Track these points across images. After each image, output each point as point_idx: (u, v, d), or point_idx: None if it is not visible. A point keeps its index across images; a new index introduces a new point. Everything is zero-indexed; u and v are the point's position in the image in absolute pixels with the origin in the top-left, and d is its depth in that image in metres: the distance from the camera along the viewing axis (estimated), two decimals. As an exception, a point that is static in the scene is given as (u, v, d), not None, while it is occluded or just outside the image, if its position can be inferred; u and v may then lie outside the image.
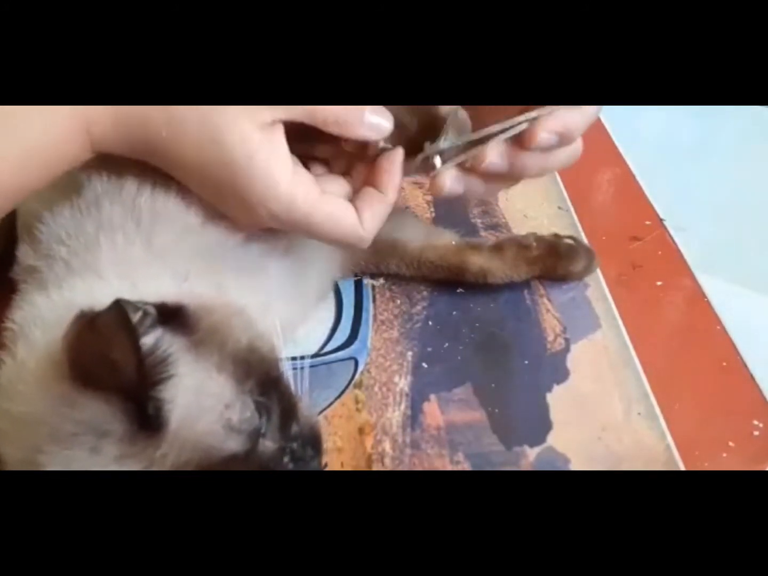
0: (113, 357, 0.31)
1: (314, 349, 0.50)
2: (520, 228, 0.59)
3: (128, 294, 0.34)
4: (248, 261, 0.43)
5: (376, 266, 0.54)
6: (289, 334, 0.48)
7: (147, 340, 0.32)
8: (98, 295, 0.36)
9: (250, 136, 0.38)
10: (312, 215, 0.40)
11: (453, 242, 0.53)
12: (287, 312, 0.46)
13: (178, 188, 0.41)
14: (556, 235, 0.54)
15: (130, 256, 0.39)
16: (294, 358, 0.48)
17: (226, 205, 0.41)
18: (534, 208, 0.60)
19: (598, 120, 0.74)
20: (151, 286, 0.38)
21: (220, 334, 0.36)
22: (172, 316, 0.35)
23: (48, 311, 0.37)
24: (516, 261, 0.53)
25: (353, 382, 0.47)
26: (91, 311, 0.32)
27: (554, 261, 0.53)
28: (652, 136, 0.73)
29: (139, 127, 0.38)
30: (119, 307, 0.31)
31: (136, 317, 0.32)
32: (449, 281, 0.54)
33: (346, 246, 0.44)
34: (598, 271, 0.56)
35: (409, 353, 0.50)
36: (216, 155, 0.38)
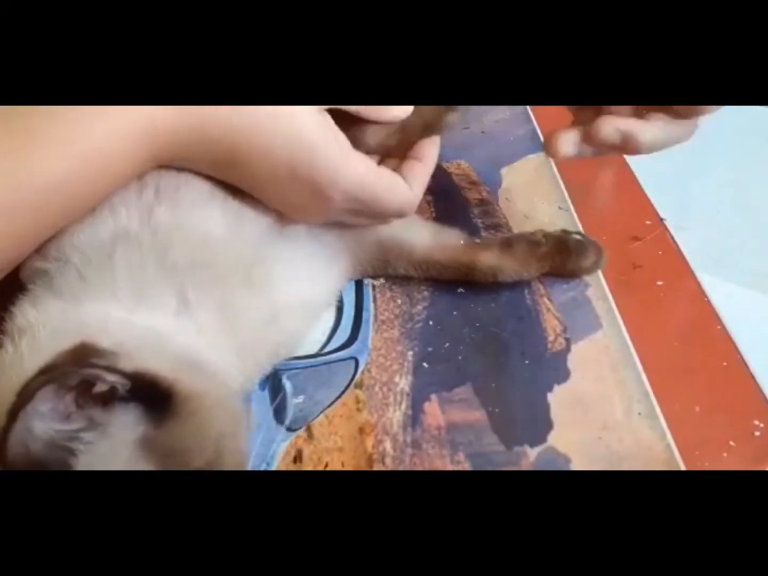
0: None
1: (315, 349, 0.49)
2: (520, 228, 0.59)
3: (132, 325, 0.33)
4: (257, 275, 0.43)
5: (384, 270, 0.54)
6: (294, 345, 0.48)
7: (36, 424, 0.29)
8: (111, 320, 0.36)
9: (318, 119, 0.40)
10: (376, 187, 0.43)
11: (461, 241, 0.53)
12: (294, 324, 0.46)
13: (201, 197, 0.41)
14: (564, 231, 0.54)
15: (143, 276, 0.38)
16: (295, 358, 0.48)
17: (296, 195, 0.42)
18: (534, 208, 0.60)
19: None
20: (155, 316, 0.37)
21: (182, 442, 0.34)
22: (154, 394, 0.33)
23: (60, 321, 0.36)
24: (526, 258, 0.53)
25: (354, 381, 0.47)
26: (90, 347, 0.31)
27: (564, 257, 0.53)
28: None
29: (206, 126, 0.38)
30: (38, 382, 0.29)
31: (101, 388, 0.31)
32: (452, 281, 0.54)
33: (396, 215, 0.47)
34: (599, 271, 0.56)
35: (410, 353, 0.50)
36: (291, 140, 0.40)
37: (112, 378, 0.31)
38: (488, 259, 0.52)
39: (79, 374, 0.30)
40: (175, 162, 0.40)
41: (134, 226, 0.39)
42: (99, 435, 0.31)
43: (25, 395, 0.29)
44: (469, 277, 0.53)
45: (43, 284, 0.39)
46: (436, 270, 0.53)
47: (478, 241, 0.54)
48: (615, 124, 0.45)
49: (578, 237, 0.55)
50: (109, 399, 0.32)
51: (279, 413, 0.45)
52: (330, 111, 0.42)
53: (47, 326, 0.35)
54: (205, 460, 0.34)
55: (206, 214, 0.41)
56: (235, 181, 0.42)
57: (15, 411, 0.29)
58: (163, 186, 0.40)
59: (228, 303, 0.40)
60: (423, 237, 0.53)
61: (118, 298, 0.37)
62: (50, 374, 0.30)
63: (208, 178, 0.42)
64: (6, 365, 0.35)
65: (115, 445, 0.32)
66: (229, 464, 0.35)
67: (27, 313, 0.37)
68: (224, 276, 0.41)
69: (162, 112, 0.38)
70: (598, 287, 0.55)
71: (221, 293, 0.40)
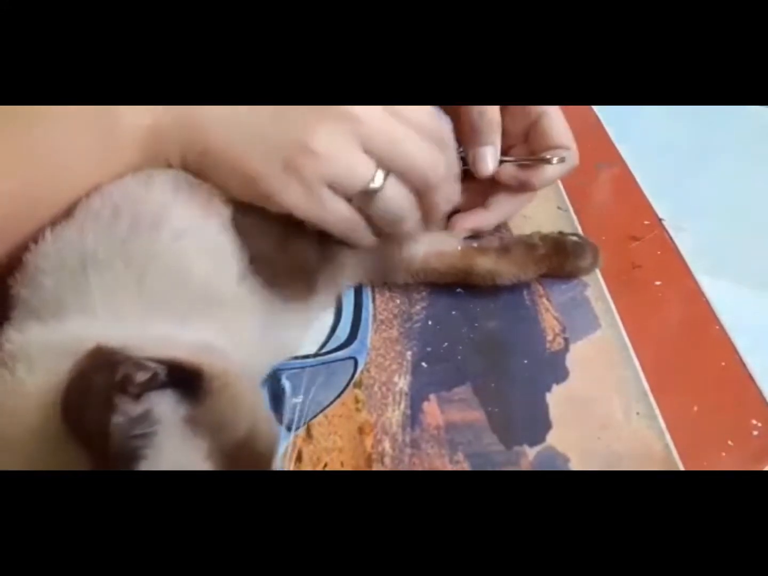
0: (87, 424, 0.29)
1: (314, 349, 0.49)
2: (519, 228, 0.59)
3: (133, 338, 0.33)
4: (247, 302, 0.42)
5: (381, 281, 0.53)
6: (292, 348, 0.48)
7: (120, 418, 0.30)
8: (103, 330, 0.35)
9: None
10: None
11: (459, 247, 0.53)
12: (292, 334, 0.46)
13: (180, 232, 0.40)
14: (561, 233, 0.54)
15: (124, 299, 0.37)
16: (294, 358, 0.48)
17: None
18: (533, 208, 0.60)
19: (598, 120, 0.74)
20: (155, 330, 0.37)
21: (222, 416, 0.34)
22: (184, 377, 0.33)
23: (52, 340, 0.36)
24: (524, 261, 0.53)
25: (353, 381, 0.47)
26: (106, 347, 0.31)
27: (562, 258, 0.54)
28: (652, 136, 0.73)
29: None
30: (107, 367, 0.29)
31: (143, 377, 0.31)
32: (451, 285, 0.53)
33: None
34: (598, 271, 0.56)
35: (409, 353, 0.50)
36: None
37: (152, 364, 0.31)
38: (485, 263, 0.52)
39: (125, 365, 0.30)
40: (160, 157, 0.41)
41: (102, 252, 0.38)
42: (150, 423, 0.31)
43: (96, 391, 0.29)
44: (467, 282, 0.53)
45: (23, 309, 0.38)
46: (434, 277, 0.53)
47: (475, 245, 0.53)
48: (464, 225, 0.54)
49: (575, 238, 0.55)
50: (142, 391, 0.31)
51: (278, 413, 0.45)
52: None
53: (39, 348, 0.35)
54: (245, 430, 0.34)
55: (186, 249, 0.40)
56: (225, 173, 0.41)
57: (103, 405, 0.29)
58: (141, 216, 0.39)
59: (218, 325, 0.40)
60: (420, 245, 0.52)
61: (100, 318, 0.37)
62: (104, 372, 0.30)
63: (190, 210, 0.41)
64: (9, 392, 0.34)
65: (167, 428, 0.32)
66: (264, 432, 0.36)
67: (13, 339, 0.36)
68: (210, 307, 0.40)
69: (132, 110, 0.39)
70: (596, 287, 0.55)
71: (208, 319, 0.39)
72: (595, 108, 0.76)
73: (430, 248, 0.52)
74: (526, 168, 0.53)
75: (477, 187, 0.54)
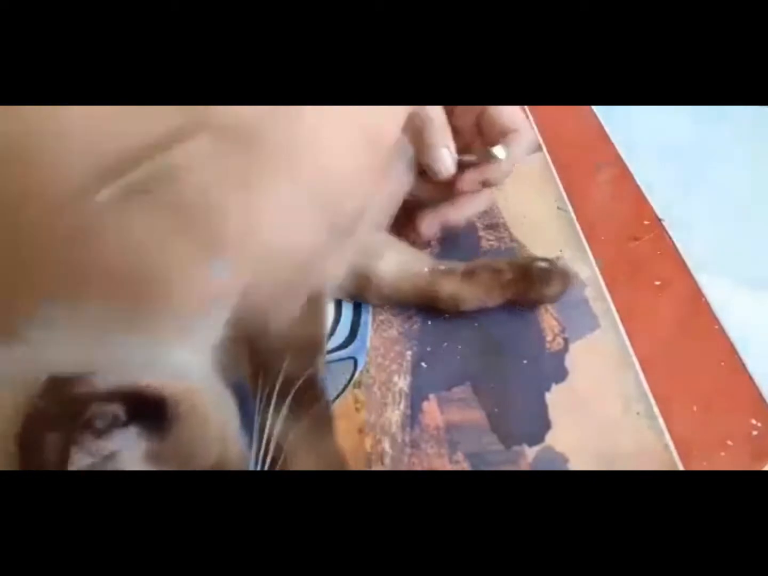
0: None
1: (313, 349, 0.50)
2: (518, 228, 0.59)
3: (95, 362, 0.32)
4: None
5: (356, 299, 0.53)
6: None
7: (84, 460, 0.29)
8: (64, 348, 0.34)
9: None
10: None
11: (426, 269, 0.51)
12: None
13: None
14: (531, 258, 0.53)
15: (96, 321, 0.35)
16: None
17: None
18: (533, 208, 0.60)
19: (597, 120, 0.74)
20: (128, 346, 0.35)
21: (189, 446, 0.33)
22: (147, 406, 0.32)
23: (8, 361, 0.33)
24: (489, 285, 0.51)
25: (353, 381, 0.48)
26: (60, 379, 0.30)
27: (527, 285, 0.51)
28: (652, 136, 0.73)
29: None
30: (64, 408, 0.28)
31: (102, 423, 0.30)
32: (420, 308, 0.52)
33: None
34: (597, 271, 0.56)
35: (409, 353, 0.50)
36: None
37: (110, 408, 0.30)
38: (449, 286, 0.50)
39: (85, 415, 0.29)
40: None
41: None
42: (109, 463, 0.30)
43: (53, 444, 0.28)
44: (433, 305, 0.51)
45: None
46: (404, 300, 0.52)
47: (442, 267, 0.51)
48: (433, 220, 0.52)
49: (543, 264, 0.52)
50: (105, 429, 0.30)
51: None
52: None
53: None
54: (216, 454, 0.33)
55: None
56: None
57: (64, 446, 0.28)
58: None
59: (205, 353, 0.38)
60: (391, 266, 0.51)
61: (63, 335, 0.34)
62: (70, 415, 0.29)
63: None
64: None
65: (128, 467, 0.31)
66: (235, 449, 0.35)
67: None
68: (198, 339, 0.38)
69: None
70: (596, 287, 0.55)
71: (194, 348, 0.38)
72: (595, 108, 0.76)
73: (402, 270, 0.51)
74: (482, 168, 0.50)
75: (443, 187, 0.51)
